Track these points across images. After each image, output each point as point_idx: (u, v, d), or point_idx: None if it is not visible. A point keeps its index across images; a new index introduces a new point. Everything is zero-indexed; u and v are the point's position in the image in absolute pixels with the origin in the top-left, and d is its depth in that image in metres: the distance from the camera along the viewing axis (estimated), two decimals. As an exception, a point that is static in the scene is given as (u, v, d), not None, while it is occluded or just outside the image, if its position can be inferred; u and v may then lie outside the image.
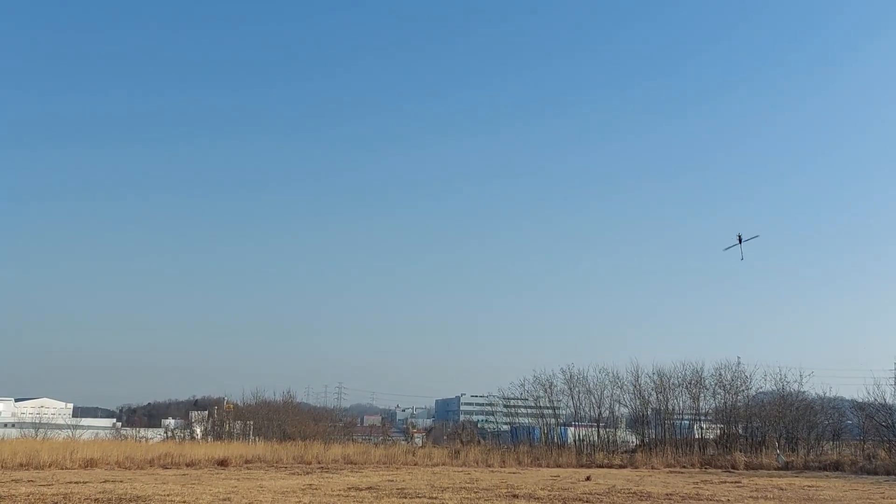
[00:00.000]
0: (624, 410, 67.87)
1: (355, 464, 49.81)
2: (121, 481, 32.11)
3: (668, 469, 50.36)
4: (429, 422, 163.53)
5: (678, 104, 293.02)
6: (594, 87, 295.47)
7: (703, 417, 64.44)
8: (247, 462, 48.43)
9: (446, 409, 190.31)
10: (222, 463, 46.32)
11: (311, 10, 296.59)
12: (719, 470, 49.45)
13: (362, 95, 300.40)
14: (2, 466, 40.06)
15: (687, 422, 64.14)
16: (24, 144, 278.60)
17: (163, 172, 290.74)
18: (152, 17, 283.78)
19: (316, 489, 29.63)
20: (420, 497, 26.82)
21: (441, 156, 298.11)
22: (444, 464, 51.82)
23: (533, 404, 68.64)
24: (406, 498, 26.48)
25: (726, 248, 54.54)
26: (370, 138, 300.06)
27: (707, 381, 63.63)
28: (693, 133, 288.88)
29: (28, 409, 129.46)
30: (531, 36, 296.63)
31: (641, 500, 27.84)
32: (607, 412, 65.19)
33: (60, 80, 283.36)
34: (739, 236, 53.66)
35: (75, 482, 31.30)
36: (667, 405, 63.51)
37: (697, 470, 49.76)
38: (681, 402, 64.08)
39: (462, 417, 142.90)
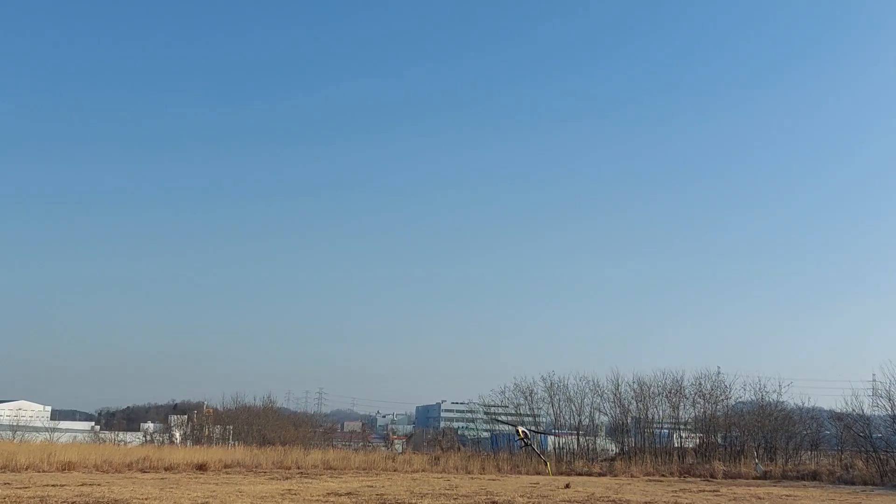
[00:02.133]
0: (604, 419, 68.13)
1: (335, 469, 49.71)
2: (98, 485, 31.95)
3: (647, 477, 50.54)
4: (409, 428, 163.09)
5: (689, 114, 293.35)
6: (602, 97, 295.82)
7: (682, 426, 64.65)
8: (226, 467, 48.24)
9: (427, 416, 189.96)
10: (201, 467, 46.14)
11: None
12: (698, 479, 49.65)
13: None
14: (-22, 469, 39.79)
15: (666, 431, 64.34)
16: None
17: (156, 180, 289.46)
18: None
19: (295, 494, 29.58)
20: (400, 503, 26.83)
21: (427, 170, 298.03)
22: (423, 470, 51.78)
23: (513, 411, 68.69)
24: (385, 504, 26.50)
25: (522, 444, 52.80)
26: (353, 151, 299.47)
27: (687, 391, 63.84)
28: (704, 143, 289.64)
29: (5, 412, 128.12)
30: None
31: (620, 507, 27.98)
32: (587, 420, 65.27)
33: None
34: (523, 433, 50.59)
35: (52, 485, 31.10)
36: (646, 414, 63.70)
37: (676, 478, 49.95)
38: (660, 411, 64.30)
39: (442, 424, 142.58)
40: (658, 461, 56.92)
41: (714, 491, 37.73)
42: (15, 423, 79.05)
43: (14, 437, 66.05)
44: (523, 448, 52.36)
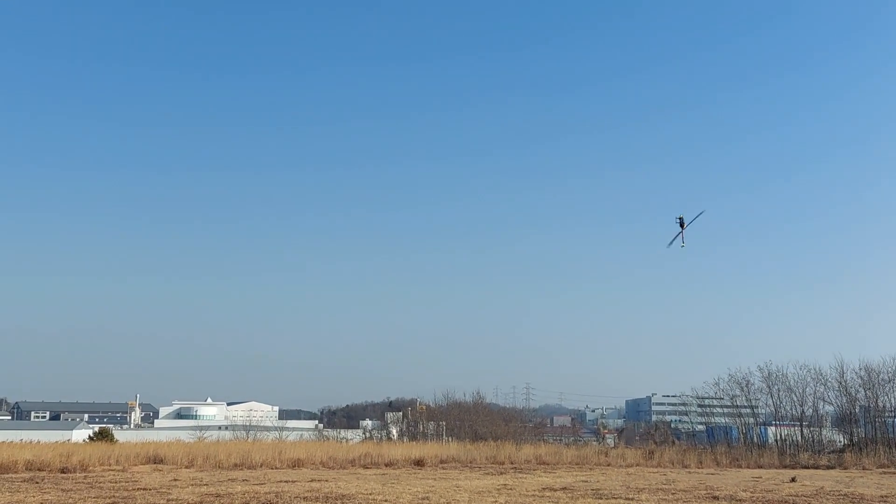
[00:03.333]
0: (829, 408, 64.95)
1: (548, 464, 49.90)
2: (326, 480, 33.78)
3: (881, 470, 47.21)
4: (619, 422, 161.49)
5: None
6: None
7: (920, 415, 60.25)
8: (442, 462, 49.61)
9: (637, 410, 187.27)
10: (418, 463, 47.67)
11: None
12: (941, 471, 45.91)
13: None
14: (218, 467, 43.15)
15: (901, 419, 60.19)
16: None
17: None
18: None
19: (511, 489, 30.01)
20: (616, 498, 26.62)
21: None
22: (637, 465, 51.00)
23: (729, 403, 66.69)
24: (602, 499, 26.36)
25: (670, 243, 45.48)
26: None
27: (923, 376, 59.44)
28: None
29: (239, 413, 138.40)
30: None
31: (853, 502, 26.40)
32: (811, 410, 62.50)
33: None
34: (681, 219, 44.41)
35: (285, 481, 33.22)
36: (877, 402, 59.92)
37: (915, 471, 46.41)
38: (893, 399, 60.33)
39: (654, 418, 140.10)
40: (893, 452, 53.18)
41: (961, 484, 34.78)
42: (248, 423, 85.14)
43: (248, 437, 71.10)
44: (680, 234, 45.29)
